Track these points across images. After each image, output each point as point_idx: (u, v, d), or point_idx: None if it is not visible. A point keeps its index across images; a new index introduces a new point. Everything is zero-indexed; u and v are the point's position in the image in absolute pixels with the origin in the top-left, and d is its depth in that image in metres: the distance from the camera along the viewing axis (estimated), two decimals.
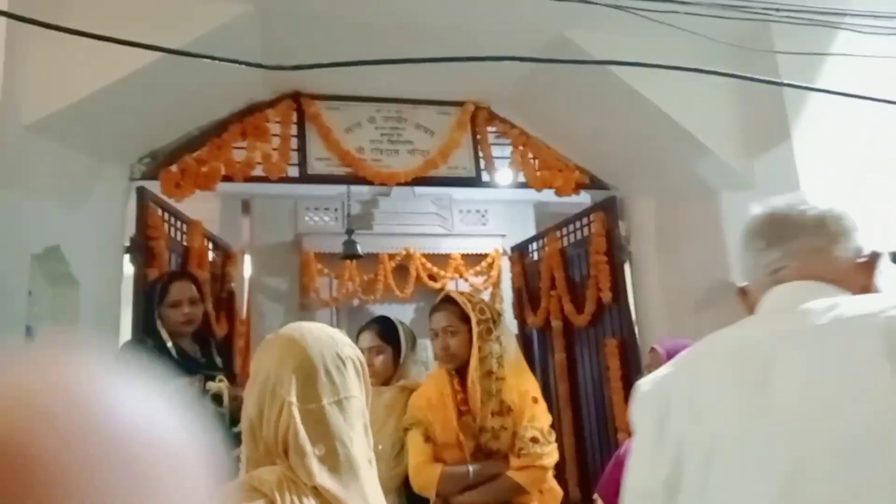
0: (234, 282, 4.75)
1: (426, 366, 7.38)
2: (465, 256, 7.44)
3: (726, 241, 3.65)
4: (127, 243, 3.68)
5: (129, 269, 3.79)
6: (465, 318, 2.22)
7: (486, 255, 7.44)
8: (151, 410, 0.28)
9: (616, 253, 4.38)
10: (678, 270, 4.15)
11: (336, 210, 7.39)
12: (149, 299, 2.49)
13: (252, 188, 6.91)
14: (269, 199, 7.23)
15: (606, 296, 4.33)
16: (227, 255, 4.61)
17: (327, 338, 1.08)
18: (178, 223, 4.13)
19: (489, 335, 2.21)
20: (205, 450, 0.29)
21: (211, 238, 4.40)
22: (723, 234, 3.69)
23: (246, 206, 7.26)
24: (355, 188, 7.04)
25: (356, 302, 7.19)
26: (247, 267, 7.09)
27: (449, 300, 2.29)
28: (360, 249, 6.07)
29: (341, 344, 1.09)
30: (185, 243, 4.12)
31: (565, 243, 4.87)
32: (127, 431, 0.27)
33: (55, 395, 0.26)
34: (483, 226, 7.82)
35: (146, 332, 2.48)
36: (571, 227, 4.83)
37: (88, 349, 0.29)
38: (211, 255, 4.40)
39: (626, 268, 4.39)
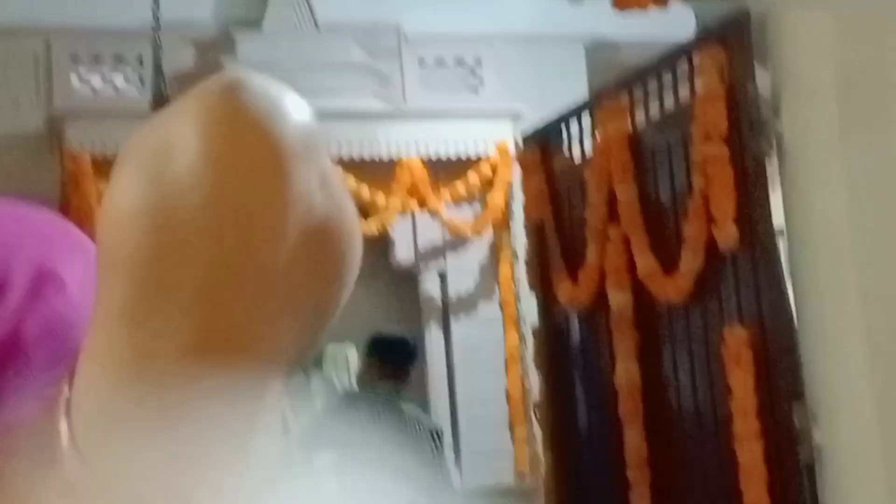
0: None
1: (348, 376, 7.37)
2: (431, 165, 7.34)
3: None
4: None
5: None
6: None
7: (476, 162, 7.36)
8: None
9: (748, 136, 4.30)
10: (891, 169, 4.07)
11: (140, 62, 7.25)
12: None
13: None
14: None
15: (727, 233, 4.27)
16: None
17: None
18: None
19: None
20: None
21: None
22: None
23: None
24: (177, 17, 6.87)
25: None
26: None
27: None
28: None
29: None
30: None
31: (640, 119, 4.78)
32: None
33: None
34: (474, 93, 7.74)
35: None
36: (653, 85, 4.74)
37: None
38: None
39: (772, 168, 4.30)
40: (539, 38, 7.48)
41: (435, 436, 4.82)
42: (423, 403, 7.42)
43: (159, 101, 5.67)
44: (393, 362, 4.89)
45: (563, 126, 5.26)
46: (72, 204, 6.87)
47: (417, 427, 4.80)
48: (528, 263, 5.60)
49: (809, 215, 4.28)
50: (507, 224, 7.25)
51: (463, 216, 7.43)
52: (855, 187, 4.16)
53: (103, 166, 6.80)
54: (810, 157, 4.29)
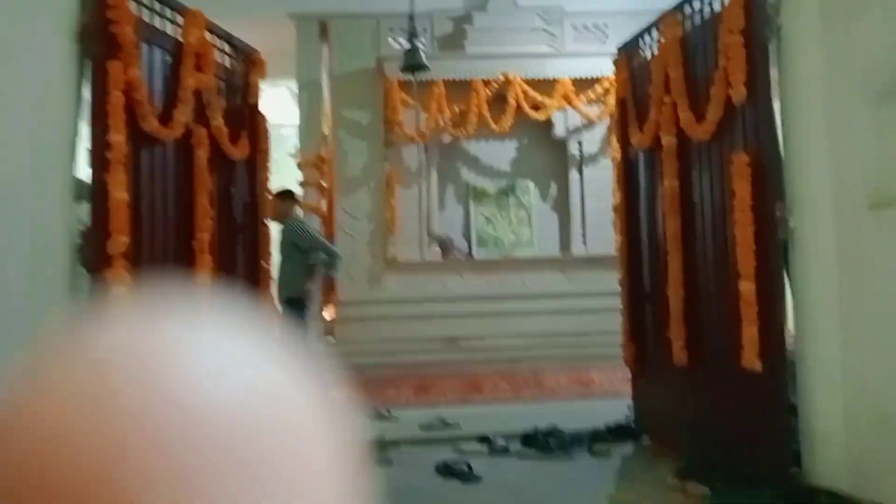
0: (256, 95, 3.96)
1: (528, 210, 6.64)
2: (576, 82, 6.29)
3: None
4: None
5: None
6: None
7: (601, 79, 6.24)
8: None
9: (758, 28, 3.14)
10: (853, 47, 2.88)
11: (424, 30, 6.47)
12: None
13: (329, 5, 6.29)
14: (348, 21, 6.52)
15: (739, 93, 3.17)
16: (249, 62, 3.85)
17: None
18: (164, 9, 3.14)
19: None
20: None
21: (225, 37, 3.65)
22: None
23: (324, 30, 6.61)
24: (445, 3, 6.18)
25: (447, 138, 6.46)
26: (326, 98, 6.57)
27: None
28: (426, 62, 5.22)
29: None
30: (180, 38, 3.19)
31: (688, 27, 3.66)
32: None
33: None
34: (602, 44, 6.53)
35: None
36: (698, 4, 3.60)
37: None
38: (227, 60, 3.60)
39: (772, 50, 3.18)
40: (641, 13, 6.22)
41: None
42: (567, 208, 6.58)
43: (412, 37, 5.06)
44: None
45: (640, 39, 4.14)
46: (388, 109, 6.34)
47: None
48: (617, 123, 4.59)
49: (795, 77, 3.15)
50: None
51: (592, 110, 6.36)
52: (829, 63, 3.02)
53: (403, 86, 6.21)
54: (800, 39, 3.12)
